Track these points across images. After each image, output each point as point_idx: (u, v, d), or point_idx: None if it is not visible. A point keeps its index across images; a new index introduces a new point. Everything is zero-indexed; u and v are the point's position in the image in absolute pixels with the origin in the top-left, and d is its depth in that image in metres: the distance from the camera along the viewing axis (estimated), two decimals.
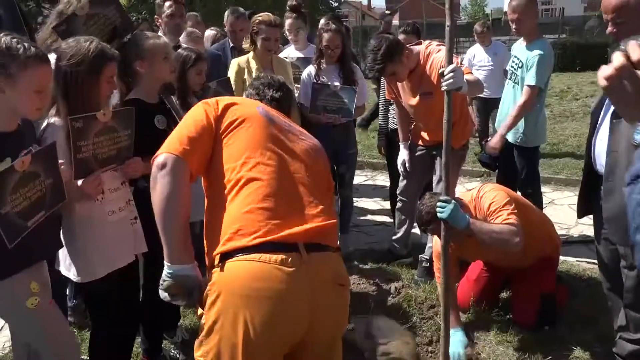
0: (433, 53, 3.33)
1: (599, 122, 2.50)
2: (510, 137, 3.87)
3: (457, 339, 2.82)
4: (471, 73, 3.18)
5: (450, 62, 2.55)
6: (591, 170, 2.56)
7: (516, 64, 3.86)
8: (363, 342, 2.90)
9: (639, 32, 2.27)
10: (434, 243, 3.15)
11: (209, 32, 5.38)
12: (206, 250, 1.77)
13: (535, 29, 3.85)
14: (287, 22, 4.21)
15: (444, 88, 2.54)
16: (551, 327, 3.06)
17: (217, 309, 1.62)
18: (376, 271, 3.82)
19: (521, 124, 3.81)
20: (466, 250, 3.04)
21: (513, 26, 3.82)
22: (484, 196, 2.93)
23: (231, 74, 3.68)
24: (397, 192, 3.95)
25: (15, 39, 1.83)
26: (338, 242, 1.90)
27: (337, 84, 3.79)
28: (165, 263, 1.69)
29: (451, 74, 2.52)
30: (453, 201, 2.62)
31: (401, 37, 4.19)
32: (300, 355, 1.74)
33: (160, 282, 1.70)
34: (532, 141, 3.89)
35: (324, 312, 1.68)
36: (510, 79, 3.94)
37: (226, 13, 4.82)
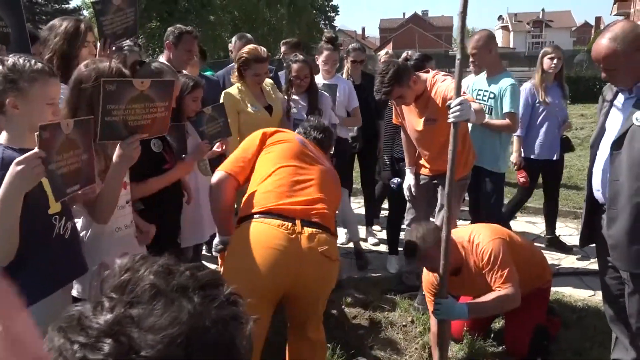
0: (438, 82, 3.41)
1: (597, 153, 2.56)
2: (486, 165, 4.07)
3: None
4: (474, 101, 3.23)
5: (458, 94, 2.59)
6: (593, 200, 2.61)
7: (486, 96, 4.10)
8: None
9: (629, 77, 2.38)
10: (424, 275, 3.14)
11: None
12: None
13: (498, 63, 4.16)
14: (325, 53, 4.34)
15: (450, 120, 2.57)
16: (544, 358, 3.04)
17: (230, 248, 2.40)
18: (370, 300, 3.80)
19: (499, 150, 4.08)
20: (452, 288, 3.03)
21: (473, 60, 4.12)
22: (480, 246, 2.91)
23: (225, 104, 3.63)
24: (406, 223, 3.97)
25: (21, 58, 1.87)
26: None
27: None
28: (218, 236, 2.66)
29: (458, 107, 2.56)
30: (446, 297, 2.67)
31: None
32: (292, 305, 2.43)
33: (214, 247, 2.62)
34: (504, 167, 4.18)
35: (308, 271, 2.25)
36: None
37: (233, 39, 4.89)
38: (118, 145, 2.05)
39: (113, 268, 0.71)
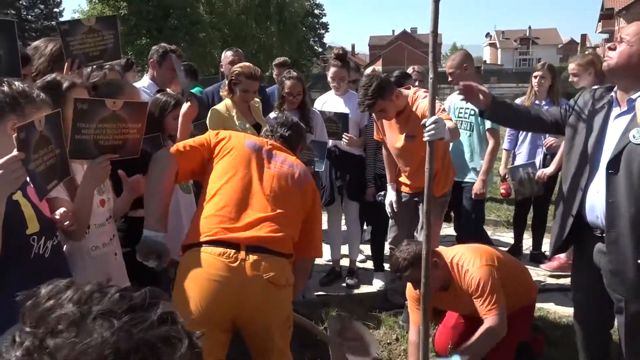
0: (419, 98, 3.44)
1: (591, 173, 2.44)
2: (466, 179, 4.16)
3: None
4: (450, 119, 3.25)
5: (432, 113, 2.59)
6: (579, 220, 2.51)
7: (467, 113, 4.18)
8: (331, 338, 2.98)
9: (624, 74, 2.30)
10: (408, 287, 3.12)
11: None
12: None
13: (475, 81, 4.20)
14: (332, 70, 4.21)
15: (425, 138, 2.57)
16: None
17: (176, 280, 2.22)
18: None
19: (479, 166, 4.12)
20: (440, 302, 3.02)
21: (451, 80, 4.16)
22: (469, 272, 2.89)
23: (212, 121, 3.65)
24: (388, 241, 3.96)
25: (26, 85, 1.88)
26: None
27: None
28: (143, 229, 2.21)
29: (433, 125, 2.56)
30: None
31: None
32: (245, 336, 2.30)
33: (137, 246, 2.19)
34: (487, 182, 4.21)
35: (251, 299, 2.14)
36: (461, 127, 4.14)
37: (223, 53, 4.91)
38: (88, 163, 2.06)
39: (36, 297, 0.69)
